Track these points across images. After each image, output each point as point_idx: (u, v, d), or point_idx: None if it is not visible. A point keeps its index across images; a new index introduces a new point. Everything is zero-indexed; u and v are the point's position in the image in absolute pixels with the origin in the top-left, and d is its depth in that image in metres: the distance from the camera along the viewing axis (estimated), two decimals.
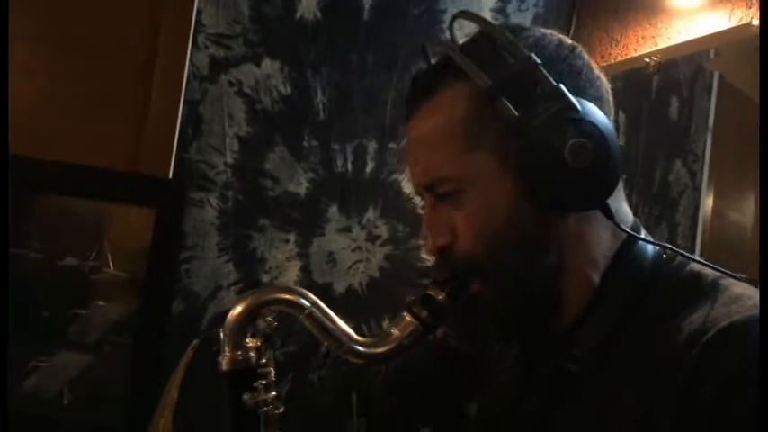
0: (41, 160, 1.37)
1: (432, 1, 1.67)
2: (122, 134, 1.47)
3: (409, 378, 1.58)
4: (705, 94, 1.58)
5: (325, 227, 1.60)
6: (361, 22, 1.62)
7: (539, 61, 0.63)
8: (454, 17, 0.72)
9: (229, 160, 1.52)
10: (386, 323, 1.61)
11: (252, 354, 0.69)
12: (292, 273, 1.56)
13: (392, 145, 1.64)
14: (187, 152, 1.49)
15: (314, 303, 0.70)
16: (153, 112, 1.46)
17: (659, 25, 1.52)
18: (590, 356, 0.65)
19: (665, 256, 0.69)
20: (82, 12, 1.45)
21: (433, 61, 0.73)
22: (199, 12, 1.49)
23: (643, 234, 0.69)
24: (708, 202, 1.56)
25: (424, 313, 0.68)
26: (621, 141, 1.43)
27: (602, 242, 0.68)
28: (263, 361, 0.70)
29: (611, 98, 0.71)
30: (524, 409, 0.71)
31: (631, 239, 0.68)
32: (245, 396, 0.69)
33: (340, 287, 1.60)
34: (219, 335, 0.71)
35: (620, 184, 0.70)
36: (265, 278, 1.55)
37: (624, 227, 0.67)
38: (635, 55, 1.56)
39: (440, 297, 0.68)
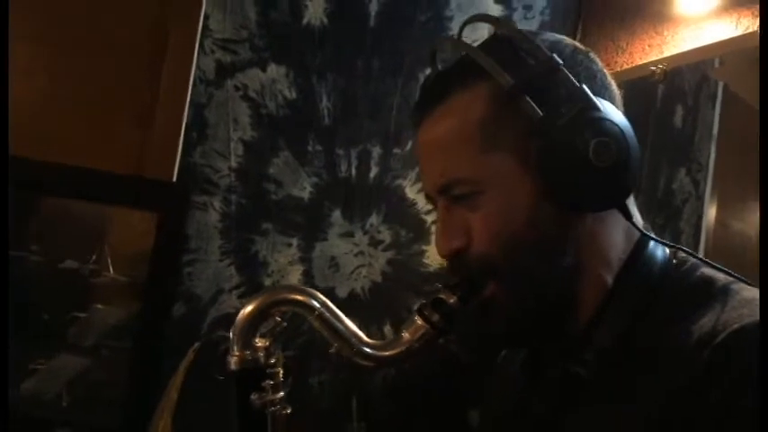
0: (43, 162, 1.37)
1: (438, 8, 1.68)
2: (127, 137, 1.47)
3: (411, 383, 1.57)
4: (710, 103, 1.58)
5: (328, 231, 1.59)
6: (367, 28, 1.63)
7: (561, 62, 0.63)
8: (469, 20, 0.72)
9: (234, 164, 1.52)
10: (387, 328, 1.61)
11: (261, 354, 0.69)
12: (294, 277, 1.56)
13: (396, 150, 1.64)
14: (191, 156, 1.49)
15: (324, 304, 0.70)
16: (159, 115, 1.46)
17: (665, 33, 1.52)
18: (600, 359, 0.65)
19: (674, 260, 0.69)
20: (84, 12, 1.46)
21: (440, 67, 0.72)
22: (206, 17, 1.50)
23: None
24: (711, 212, 1.55)
25: (436, 317, 0.67)
26: None
27: (617, 243, 0.68)
28: (272, 361, 0.70)
29: (621, 105, 0.71)
30: (532, 412, 0.71)
31: (643, 242, 0.68)
32: (253, 396, 0.69)
33: (342, 292, 1.60)
34: (221, 338, 0.70)
35: None
36: (267, 282, 1.54)
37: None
38: (640, 63, 1.56)
39: (451, 301, 0.67)
